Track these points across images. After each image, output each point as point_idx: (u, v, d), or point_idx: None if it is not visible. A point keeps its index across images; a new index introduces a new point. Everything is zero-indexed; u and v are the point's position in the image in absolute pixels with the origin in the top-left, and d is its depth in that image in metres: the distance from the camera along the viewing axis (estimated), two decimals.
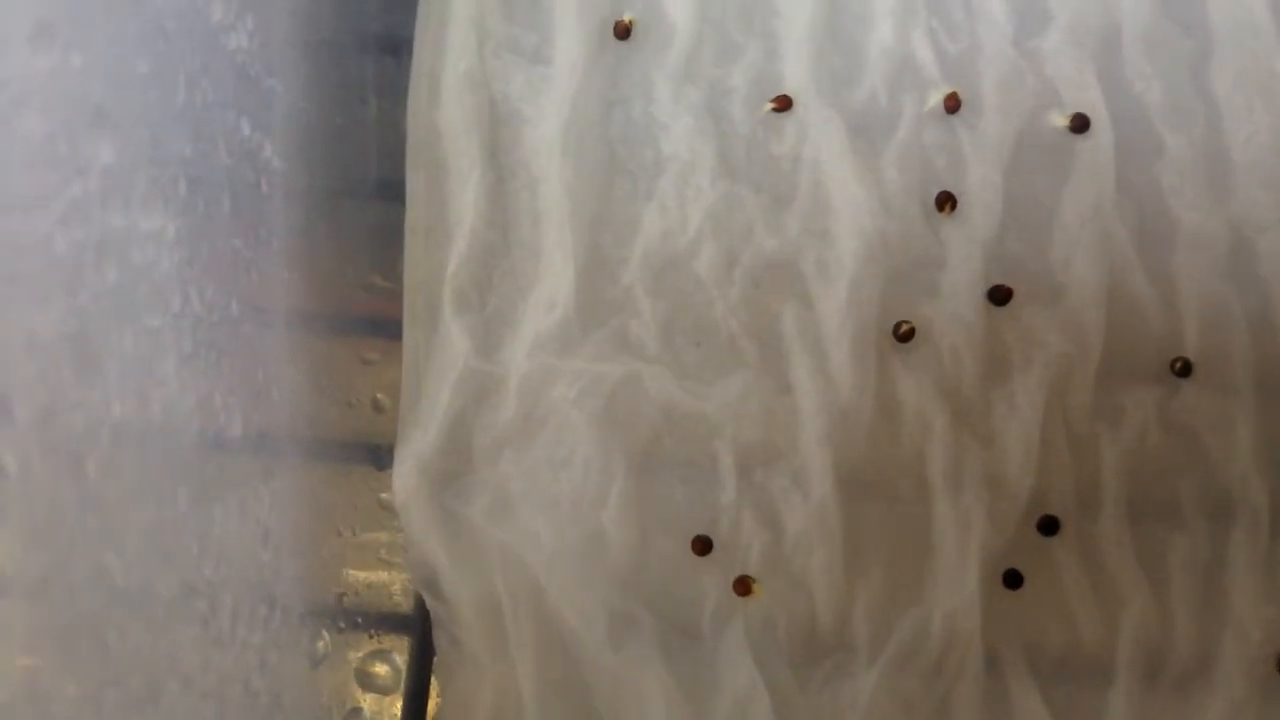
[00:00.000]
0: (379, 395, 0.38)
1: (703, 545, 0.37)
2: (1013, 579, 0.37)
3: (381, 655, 0.38)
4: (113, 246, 0.25)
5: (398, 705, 0.38)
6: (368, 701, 0.38)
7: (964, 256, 0.38)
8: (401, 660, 0.38)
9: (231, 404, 0.30)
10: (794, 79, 0.39)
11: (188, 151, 0.29)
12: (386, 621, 0.38)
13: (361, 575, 0.37)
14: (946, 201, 0.38)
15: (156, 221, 0.27)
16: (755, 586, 0.37)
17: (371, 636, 0.38)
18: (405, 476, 0.36)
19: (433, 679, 0.38)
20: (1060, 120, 0.39)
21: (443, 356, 0.37)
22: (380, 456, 0.37)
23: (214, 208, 0.30)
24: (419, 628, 0.38)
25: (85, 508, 0.22)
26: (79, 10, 0.24)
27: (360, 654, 0.38)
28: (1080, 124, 0.39)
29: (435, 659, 0.37)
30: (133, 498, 0.24)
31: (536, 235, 0.38)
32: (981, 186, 0.39)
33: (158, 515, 0.26)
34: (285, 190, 0.35)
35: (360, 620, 0.38)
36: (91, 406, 0.24)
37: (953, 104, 0.39)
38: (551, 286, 0.38)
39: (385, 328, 0.38)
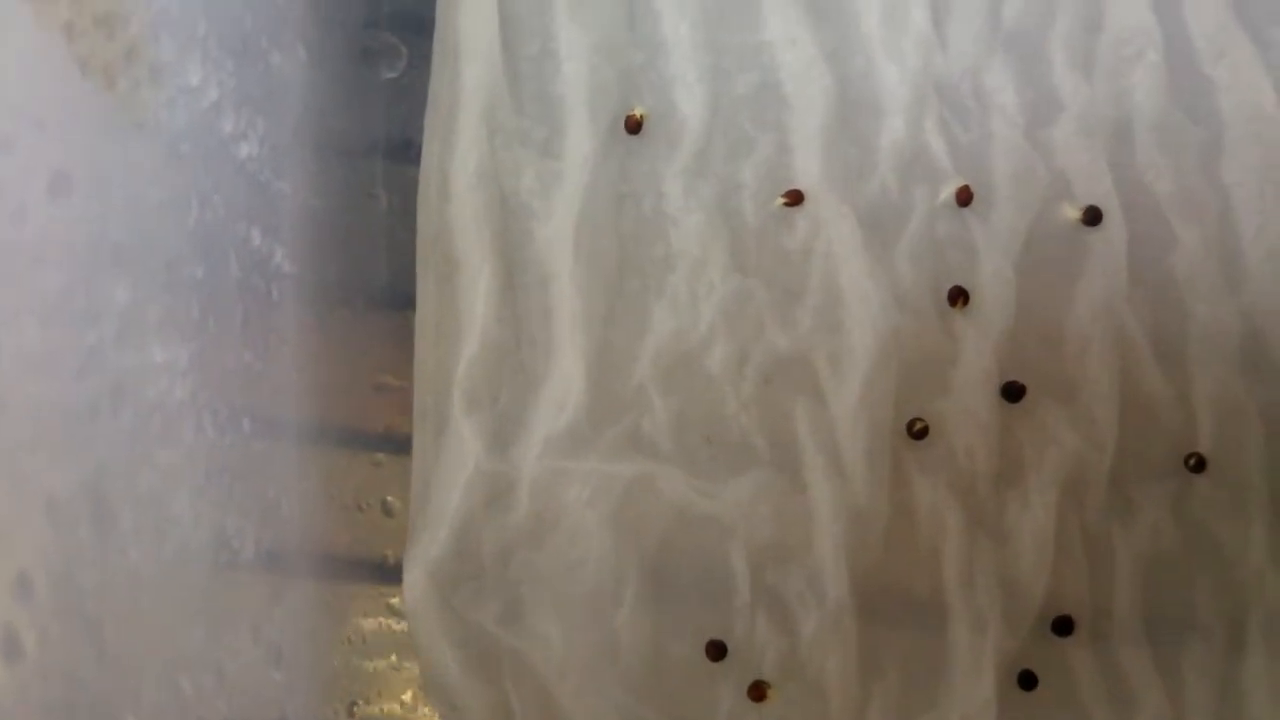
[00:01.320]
0: (389, 498, 0.37)
1: (716, 650, 0.36)
2: (1027, 680, 0.37)
3: None
4: (128, 388, 0.25)
5: None
6: None
7: (977, 352, 0.38)
8: None
9: (244, 527, 0.30)
10: (805, 172, 0.39)
11: (199, 273, 0.29)
12: None
13: (373, 684, 0.37)
14: (959, 297, 0.38)
15: (170, 352, 0.27)
16: (770, 692, 0.36)
17: None
18: (415, 582, 0.36)
19: None
20: (1073, 212, 0.39)
21: (452, 457, 0.37)
22: (390, 561, 0.37)
23: (226, 325, 0.30)
24: None
25: (103, 673, 0.22)
26: (95, 152, 0.24)
27: None
28: (1093, 217, 0.39)
29: None
30: (148, 648, 0.24)
31: (547, 332, 0.38)
32: (994, 280, 0.38)
33: (174, 657, 0.25)
34: (296, 294, 0.34)
35: None
36: (108, 559, 0.23)
37: (965, 196, 0.39)
38: (562, 384, 0.37)
39: (396, 429, 0.37)
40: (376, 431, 0.37)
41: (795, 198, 0.38)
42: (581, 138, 0.38)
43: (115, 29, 0.25)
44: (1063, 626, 0.37)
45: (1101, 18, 0.41)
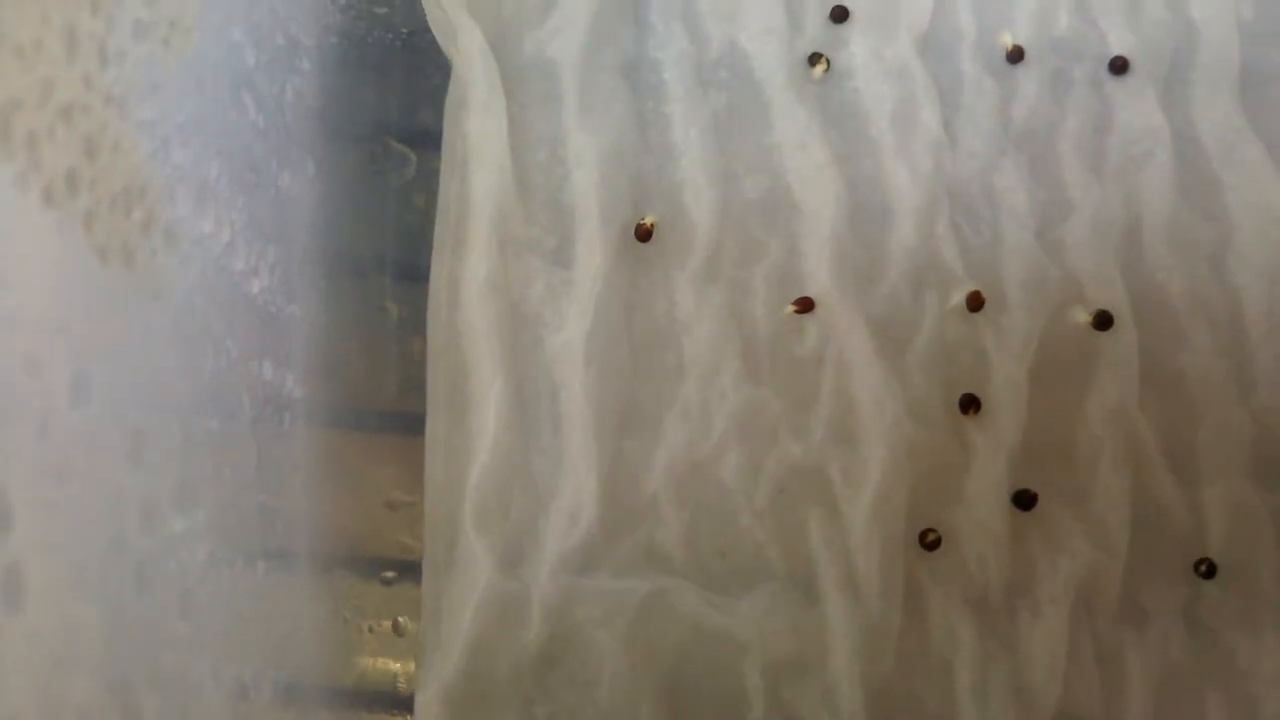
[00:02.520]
0: (400, 618, 0.37)
1: None
2: None
3: None
4: (149, 570, 0.24)
5: None
6: None
7: (989, 461, 0.38)
8: None
9: (261, 671, 0.30)
10: (816, 278, 0.39)
11: (214, 425, 0.28)
12: None
13: None
14: (971, 405, 0.38)
15: (188, 519, 0.26)
16: None
17: None
18: (427, 704, 0.36)
19: None
20: (1084, 316, 0.39)
21: (463, 575, 0.36)
22: (402, 682, 0.37)
23: (240, 473, 0.30)
24: None
25: None
26: (115, 340, 0.24)
27: None
28: (1104, 321, 0.39)
29: None
30: None
31: (558, 443, 0.37)
32: (1006, 387, 0.38)
33: None
34: (307, 418, 0.34)
35: None
36: None
37: (976, 302, 0.39)
38: (574, 496, 0.37)
39: (407, 547, 0.37)
40: (388, 551, 0.37)
41: (805, 305, 0.38)
42: (592, 247, 0.38)
43: (133, 203, 0.24)
44: None
45: (1111, 118, 0.41)
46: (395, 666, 0.37)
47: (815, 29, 0.41)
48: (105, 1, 0.23)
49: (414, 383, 0.37)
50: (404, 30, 0.40)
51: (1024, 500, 0.38)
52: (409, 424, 0.37)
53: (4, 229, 0.19)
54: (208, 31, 0.28)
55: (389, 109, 0.40)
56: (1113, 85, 0.41)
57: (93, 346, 0.22)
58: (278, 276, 0.33)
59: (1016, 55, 0.41)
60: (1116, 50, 0.41)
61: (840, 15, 0.41)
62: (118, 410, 0.23)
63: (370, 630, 0.36)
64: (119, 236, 0.24)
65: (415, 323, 0.38)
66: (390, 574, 0.37)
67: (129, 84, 0.24)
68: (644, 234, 0.38)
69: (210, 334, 0.29)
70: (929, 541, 0.37)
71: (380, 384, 0.38)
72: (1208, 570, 0.38)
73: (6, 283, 0.19)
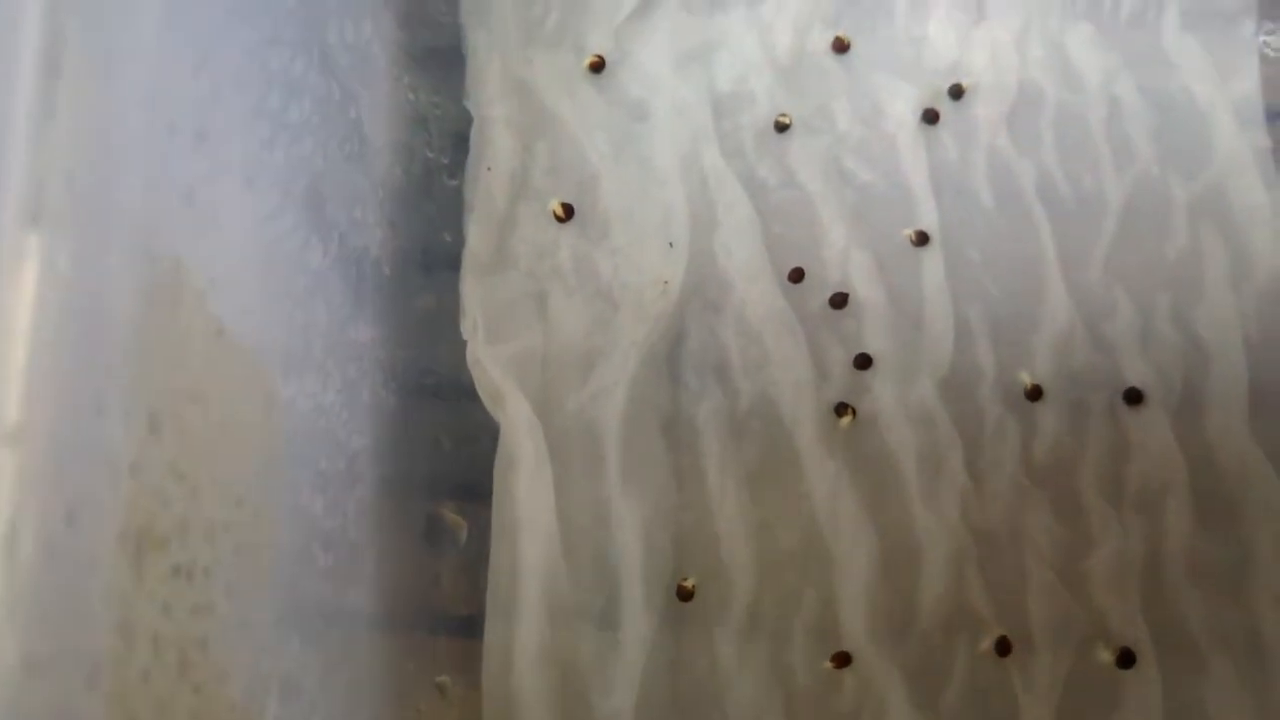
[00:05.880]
0: None
1: None
2: None
3: None
4: None
5: None
6: None
7: None
8: None
9: None
10: (851, 629, 0.41)
11: None
12: None
13: None
14: None
15: None
16: None
17: None
18: None
19: None
20: (1107, 655, 0.41)
21: None
22: None
23: None
24: None
25: None
26: None
27: None
28: (1126, 659, 0.40)
29: None
30: None
31: None
32: None
33: None
34: None
35: None
36: None
37: (1005, 648, 0.40)
38: None
39: None
40: None
41: (842, 660, 0.40)
42: (636, 611, 0.40)
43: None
44: None
45: (1127, 447, 0.43)
46: None
47: (840, 376, 0.43)
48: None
49: None
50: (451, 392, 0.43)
51: None
52: None
53: None
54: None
55: (441, 468, 0.42)
56: (1129, 415, 0.43)
57: None
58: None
59: (1035, 394, 0.43)
60: (1131, 380, 0.43)
61: (864, 362, 0.43)
62: None
63: None
64: None
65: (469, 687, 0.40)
66: None
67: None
68: (686, 595, 0.40)
69: None
70: None
71: None
72: None
73: None
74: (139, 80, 0.22)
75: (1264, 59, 0.47)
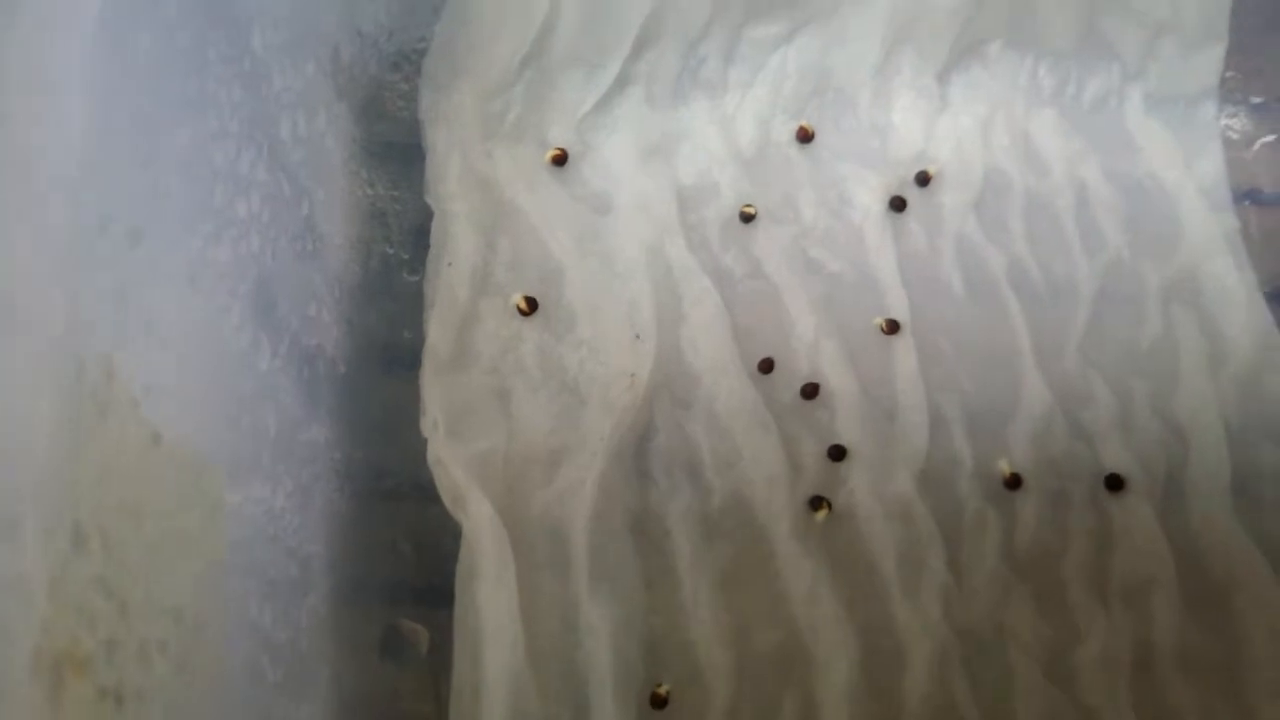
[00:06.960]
0: None
1: None
2: None
3: None
4: None
5: None
6: None
7: None
8: None
9: None
10: None
11: None
12: None
13: None
14: None
15: None
16: None
17: None
18: None
19: None
20: None
21: None
22: None
23: None
24: None
25: None
26: None
27: None
28: None
29: None
30: None
31: None
32: None
33: None
34: None
35: None
36: None
37: None
38: None
39: None
40: None
41: None
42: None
43: None
44: None
45: (1111, 536, 0.42)
46: None
47: (814, 469, 0.42)
48: None
49: None
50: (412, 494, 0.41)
51: None
52: None
53: None
54: None
55: (400, 574, 0.40)
56: (1111, 503, 0.42)
57: None
58: None
59: (1014, 482, 0.42)
60: (1111, 467, 0.42)
61: (838, 454, 0.42)
62: None
63: None
64: None
65: None
66: None
67: None
68: (660, 703, 0.39)
69: None
70: None
71: None
72: None
73: None
74: (63, 175, 0.21)
75: (1227, 141, 0.47)
